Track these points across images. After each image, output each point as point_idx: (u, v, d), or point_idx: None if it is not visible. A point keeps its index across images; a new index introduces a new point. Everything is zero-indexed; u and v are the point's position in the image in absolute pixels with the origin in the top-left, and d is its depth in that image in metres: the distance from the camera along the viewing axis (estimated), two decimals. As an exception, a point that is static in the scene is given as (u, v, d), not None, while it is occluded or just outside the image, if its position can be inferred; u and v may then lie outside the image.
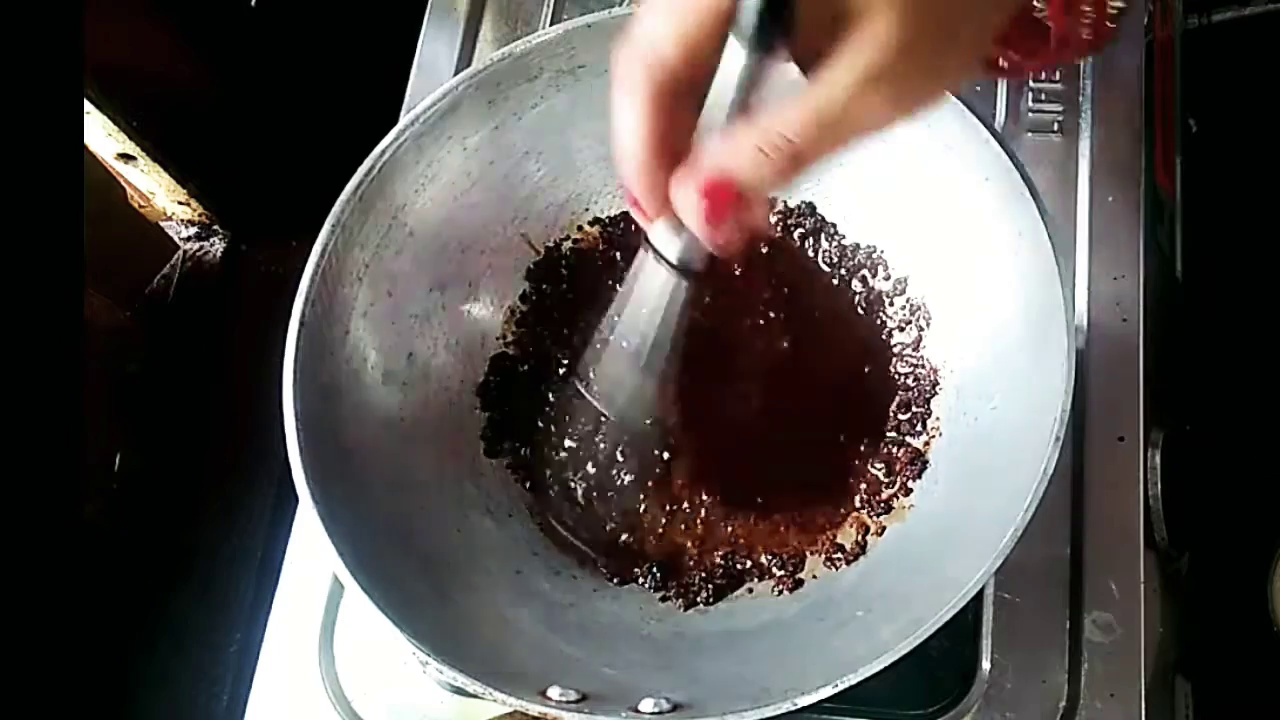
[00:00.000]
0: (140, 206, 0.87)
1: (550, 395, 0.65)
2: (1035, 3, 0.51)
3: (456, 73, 0.67)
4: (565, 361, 0.65)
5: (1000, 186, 0.54)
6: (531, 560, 0.60)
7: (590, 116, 0.62)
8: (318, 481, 0.51)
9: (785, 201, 0.66)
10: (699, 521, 0.61)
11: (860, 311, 0.64)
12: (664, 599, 0.59)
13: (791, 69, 0.36)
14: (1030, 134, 0.69)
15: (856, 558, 0.58)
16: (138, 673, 0.76)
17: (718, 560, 0.60)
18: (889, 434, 0.61)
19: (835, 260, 0.65)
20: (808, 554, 0.60)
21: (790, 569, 0.59)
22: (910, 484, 0.59)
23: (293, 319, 0.54)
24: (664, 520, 0.62)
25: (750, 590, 0.59)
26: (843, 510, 0.60)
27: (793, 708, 0.46)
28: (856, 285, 0.64)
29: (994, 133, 0.53)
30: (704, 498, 0.62)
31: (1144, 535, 0.60)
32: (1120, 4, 0.69)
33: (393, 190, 0.58)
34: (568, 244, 0.66)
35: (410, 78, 0.74)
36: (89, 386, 0.79)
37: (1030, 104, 0.70)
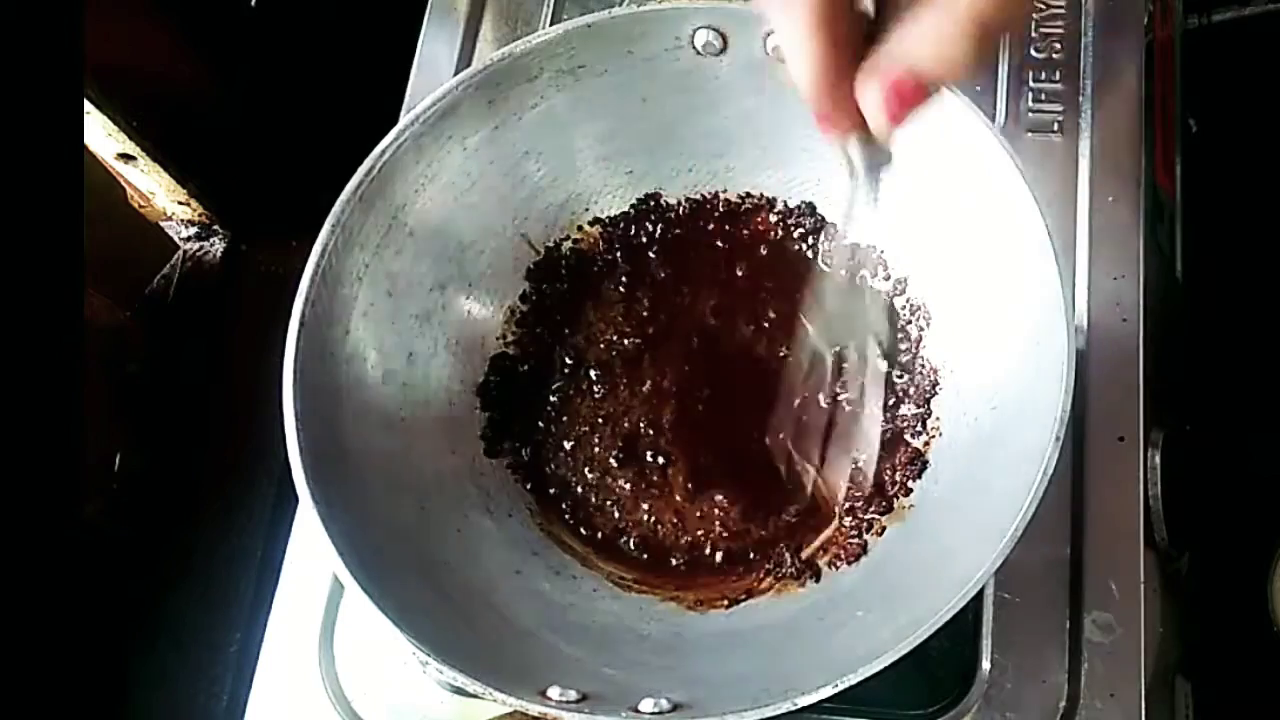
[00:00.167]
0: (140, 206, 0.87)
1: (550, 395, 0.65)
2: None
3: (456, 73, 0.67)
4: (569, 361, 0.65)
5: (1000, 186, 0.53)
6: (531, 560, 0.60)
7: (590, 116, 0.62)
8: (318, 481, 0.51)
9: (785, 201, 0.66)
10: (699, 522, 0.61)
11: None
12: (671, 600, 0.59)
13: None
14: (1030, 134, 0.69)
15: (857, 558, 0.58)
16: (137, 672, 0.76)
17: (720, 561, 0.60)
18: (889, 434, 0.61)
19: (835, 260, 0.65)
20: (809, 553, 0.60)
21: (796, 567, 0.59)
22: (910, 484, 0.59)
23: (293, 319, 0.54)
24: (663, 520, 0.62)
25: (756, 591, 0.59)
26: (842, 510, 0.60)
27: (793, 708, 0.46)
28: (856, 285, 0.64)
29: (994, 133, 0.53)
30: (703, 498, 0.62)
31: (1144, 535, 0.60)
32: None
33: (393, 190, 0.58)
34: (568, 244, 0.66)
35: (410, 78, 0.74)
36: (89, 386, 0.79)
37: (1030, 104, 0.70)
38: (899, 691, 0.58)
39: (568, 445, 0.64)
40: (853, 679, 0.46)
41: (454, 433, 0.62)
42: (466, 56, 0.75)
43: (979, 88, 0.70)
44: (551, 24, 0.74)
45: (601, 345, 0.65)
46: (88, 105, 0.74)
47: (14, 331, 0.43)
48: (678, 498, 0.62)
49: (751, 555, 0.60)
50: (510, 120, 0.60)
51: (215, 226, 0.89)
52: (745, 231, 0.66)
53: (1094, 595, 0.59)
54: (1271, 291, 0.89)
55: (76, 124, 0.53)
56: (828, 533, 0.60)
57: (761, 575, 0.60)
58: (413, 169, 0.58)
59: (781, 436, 0.62)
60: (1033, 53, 0.71)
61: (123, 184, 0.84)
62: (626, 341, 0.65)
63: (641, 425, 0.63)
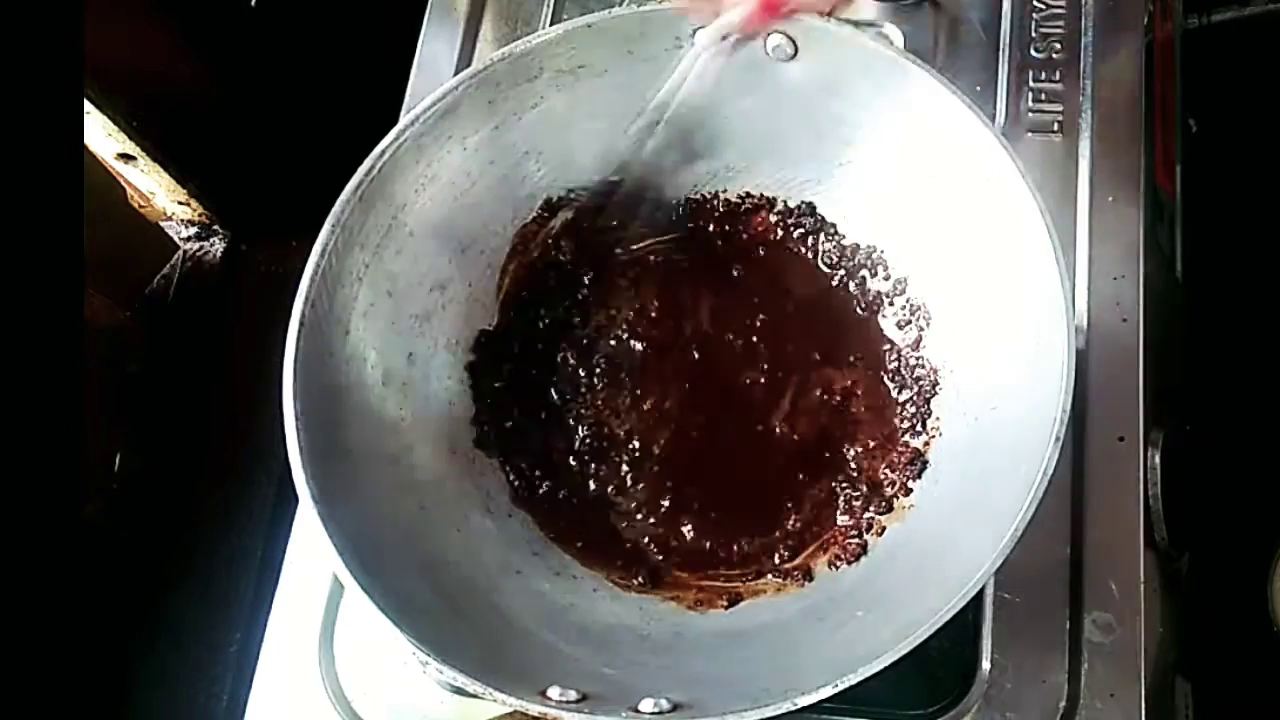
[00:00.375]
0: (140, 206, 0.87)
1: (551, 395, 0.65)
2: None
3: (456, 73, 0.67)
4: (571, 361, 0.65)
5: (1000, 186, 0.54)
6: (531, 560, 0.60)
7: (590, 116, 0.62)
8: (318, 481, 0.51)
9: (785, 201, 0.66)
10: (697, 522, 0.61)
11: (860, 312, 0.64)
12: (671, 600, 0.59)
13: None
14: (1030, 134, 0.69)
15: (857, 558, 0.58)
16: (138, 672, 0.76)
17: (720, 561, 0.60)
18: (889, 434, 0.61)
19: (835, 260, 0.65)
20: (810, 553, 0.60)
21: (797, 567, 0.59)
22: (910, 484, 0.59)
23: (293, 319, 0.54)
24: (662, 521, 0.62)
25: (756, 590, 0.59)
26: (842, 510, 0.60)
27: (793, 708, 0.46)
28: (856, 285, 0.64)
29: (994, 133, 0.53)
30: (702, 497, 0.62)
31: (1144, 535, 0.60)
32: None
33: (393, 190, 0.58)
34: (567, 244, 0.66)
35: (410, 78, 0.74)
36: (89, 386, 0.79)
37: (1030, 104, 0.70)
38: (899, 691, 0.58)
39: (568, 446, 0.64)
40: (853, 679, 0.46)
41: (454, 433, 0.62)
42: (466, 56, 0.75)
43: (979, 88, 0.70)
44: (551, 24, 0.74)
45: (600, 345, 0.65)
46: (88, 105, 0.74)
47: (14, 331, 0.43)
48: (670, 503, 0.62)
49: (743, 561, 0.60)
50: (510, 120, 0.60)
51: (215, 226, 0.89)
52: (745, 232, 0.66)
53: (1094, 595, 0.59)
54: (1271, 291, 0.89)
55: (76, 124, 0.53)
56: (829, 533, 0.60)
57: (758, 576, 0.60)
58: (413, 169, 0.58)
59: (782, 434, 0.62)
60: (1033, 53, 0.71)
61: (123, 184, 0.84)
62: (624, 342, 0.65)
63: (638, 428, 0.63)
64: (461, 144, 0.59)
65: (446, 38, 0.75)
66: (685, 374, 0.64)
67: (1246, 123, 0.93)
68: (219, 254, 0.89)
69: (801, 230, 0.65)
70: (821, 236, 0.65)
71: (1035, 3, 0.72)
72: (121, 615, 0.76)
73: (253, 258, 0.89)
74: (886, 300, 0.64)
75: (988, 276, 0.57)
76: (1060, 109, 0.69)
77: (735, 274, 0.66)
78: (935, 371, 0.61)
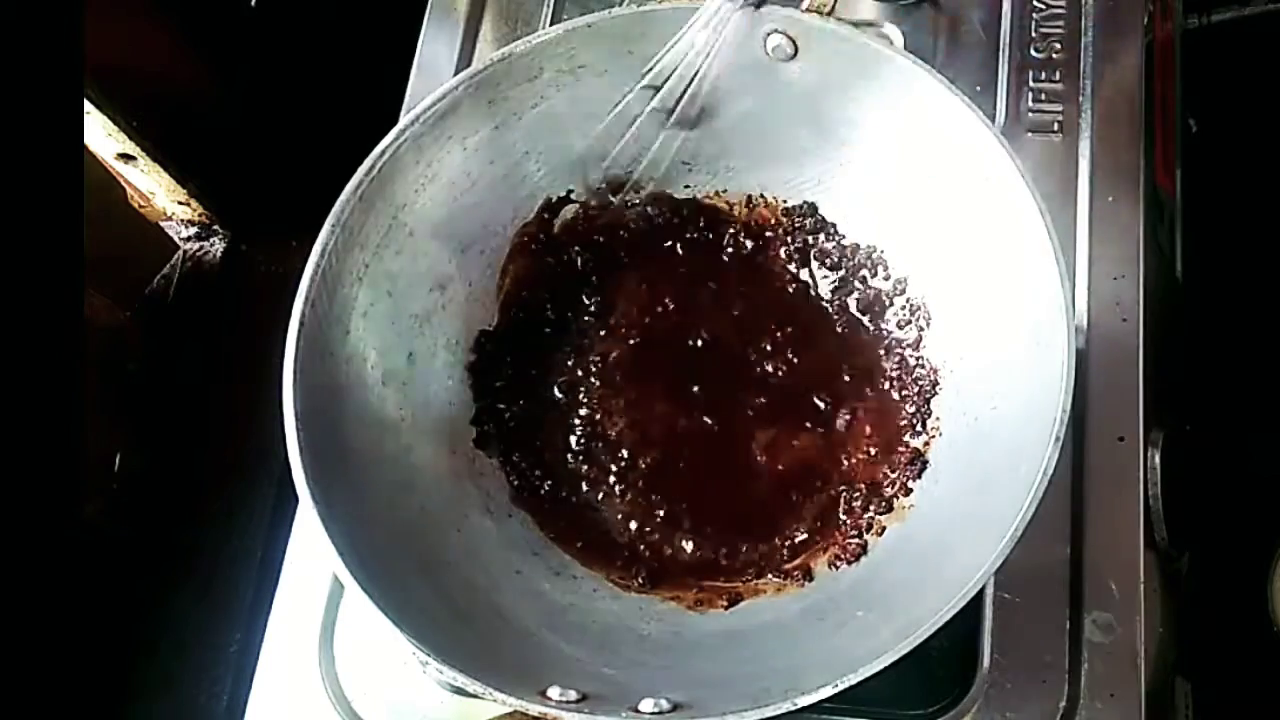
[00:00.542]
0: (140, 206, 0.87)
1: (550, 396, 0.65)
2: None
3: (456, 73, 0.67)
4: (571, 362, 0.65)
5: (1000, 186, 0.54)
6: (531, 560, 0.60)
7: (590, 116, 0.62)
8: (318, 481, 0.51)
9: (785, 201, 0.66)
10: (696, 524, 0.61)
11: (860, 312, 0.64)
12: (671, 600, 0.59)
13: None
14: (1030, 134, 0.69)
15: (857, 558, 0.58)
16: (138, 673, 0.76)
17: (720, 566, 0.60)
18: (889, 435, 0.61)
19: (835, 260, 0.65)
20: (810, 553, 0.60)
21: (797, 567, 0.59)
22: (910, 484, 0.59)
23: (293, 319, 0.54)
24: (661, 523, 0.62)
25: (756, 590, 0.59)
26: (842, 510, 0.60)
27: (793, 708, 0.46)
28: (856, 285, 0.64)
29: (994, 133, 0.53)
30: (702, 499, 0.62)
31: (1144, 535, 0.60)
32: None
33: (393, 190, 0.58)
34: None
35: (410, 78, 0.74)
36: (89, 386, 0.79)
37: (1030, 104, 0.70)
38: (899, 691, 0.58)
39: (569, 447, 0.64)
40: (853, 679, 0.46)
41: (454, 433, 0.62)
42: (466, 56, 0.75)
43: (979, 88, 0.70)
44: (551, 24, 0.74)
45: (600, 346, 0.65)
46: (88, 105, 0.74)
47: (14, 331, 0.43)
48: (669, 505, 0.62)
49: (742, 564, 0.60)
50: (510, 120, 0.60)
51: (215, 226, 0.89)
52: (745, 232, 0.66)
53: (1094, 595, 0.59)
54: (1271, 291, 0.89)
55: (76, 124, 0.53)
56: (829, 533, 0.60)
57: (758, 576, 0.60)
58: (413, 169, 0.58)
59: (782, 435, 0.62)
60: (1033, 53, 0.71)
61: (123, 184, 0.84)
62: (625, 343, 0.65)
63: (638, 429, 0.63)
64: (461, 144, 0.59)
65: (446, 38, 0.75)
66: (686, 374, 0.64)
67: (1246, 123, 0.93)
68: (219, 254, 0.89)
69: (803, 230, 0.65)
70: (822, 237, 0.65)
71: (1035, 3, 0.72)
72: (121, 615, 0.76)
73: (253, 258, 0.89)
74: (886, 300, 0.64)
75: (988, 276, 0.57)
76: (1060, 109, 0.69)
77: (736, 274, 0.66)
78: (935, 371, 0.61)
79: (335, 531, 0.50)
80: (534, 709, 0.48)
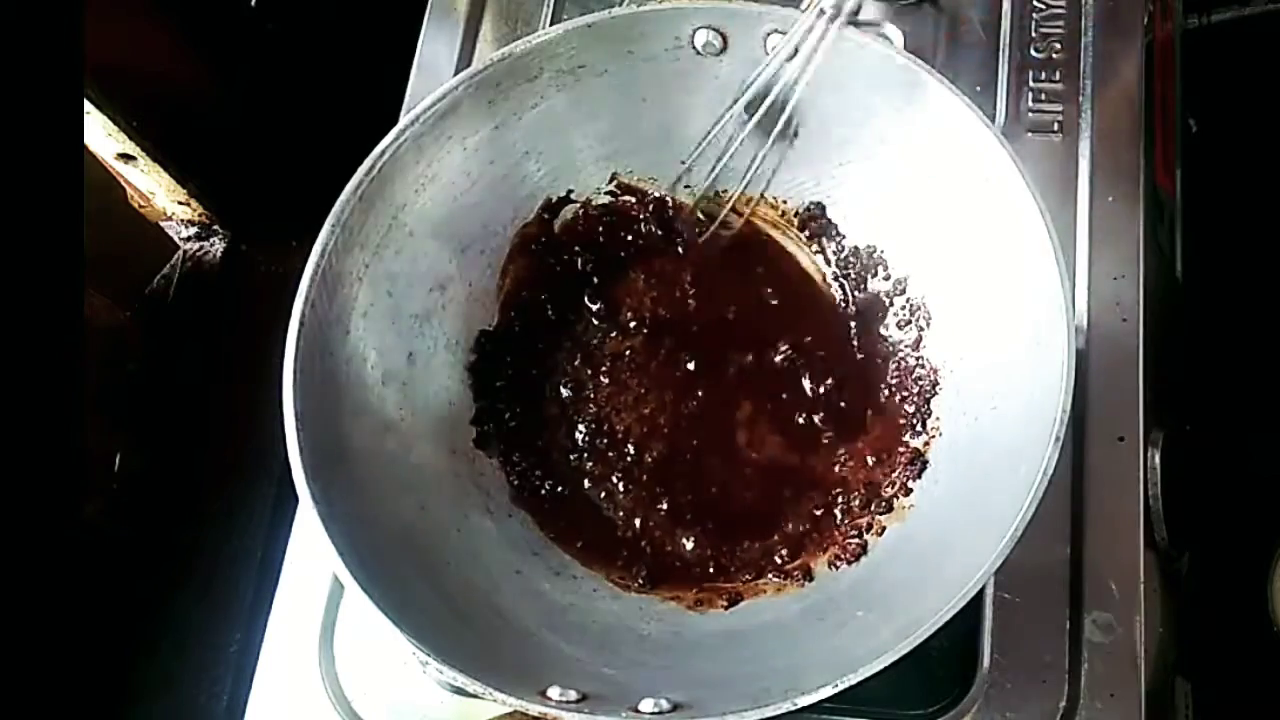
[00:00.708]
0: (140, 206, 0.87)
1: (551, 395, 0.65)
2: None
3: (456, 73, 0.67)
4: (571, 362, 0.65)
5: (1000, 186, 0.54)
6: (531, 560, 0.60)
7: (590, 116, 0.62)
8: (318, 481, 0.51)
9: (786, 202, 0.66)
10: (695, 526, 0.61)
11: (860, 312, 0.64)
12: (671, 600, 0.59)
13: None
14: (1030, 134, 0.69)
15: (857, 558, 0.58)
16: (138, 673, 0.76)
17: (720, 566, 0.60)
18: (889, 436, 0.61)
19: (836, 261, 0.65)
20: (810, 553, 0.60)
21: (797, 567, 0.59)
22: (910, 484, 0.59)
23: (293, 319, 0.54)
24: (660, 524, 0.62)
25: (756, 590, 0.59)
26: (843, 510, 0.60)
27: (793, 708, 0.46)
28: (856, 285, 0.64)
29: (994, 133, 0.53)
30: (701, 501, 0.62)
31: (1144, 535, 0.60)
32: None
33: (393, 190, 0.58)
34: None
35: (410, 78, 0.74)
36: (89, 386, 0.79)
37: (1030, 104, 0.70)
38: (899, 691, 0.58)
39: (567, 447, 0.64)
40: (853, 679, 0.46)
41: (454, 433, 0.62)
42: (466, 56, 0.75)
43: (979, 88, 0.70)
44: (551, 24, 0.74)
45: (600, 346, 0.65)
46: (88, 105, 0.74)
47: (14, 331, 0.43)
48: (669, 506, 0.62)
49: (742, 564, 0.60)
50: (510, 120, 0.60)
51: (215, 226, 0.89)
52: (747, 232, 0.66)
53: (1094, 595, 0.59)
54: (1271, 291, 0.89)
55: (76, 124, 0.53)
56: (829, 533, 0.60)
57: (758, 576, 0.60)
58: (413, 169, 0.58)
59: (782, 435, 0.62)
60: (1033, 53, 0.71)
61: (123, 184, 0.84)
62: (625, 343, 0.65)
63: (637, 429, 0.63)
64: (461, 144, 0.59)
65: (446, 38, 0.75)
66: (686, 375, 0.64)
67: (1246, 123, 0.93)
68: (219, 254, 0.89)
69: (804, 231, 0.65)
70: (823, 237, 0.65)
71: (1035, 3, 0.72)
72: (121, 615, 0.76)
73: (253, 258, 0.89)
74: (886, 301, 0.64)
75: (988, 276, 0.57)
76: (1060, 109, 0.69)
77: (737, 274, 0.66)
78: (935, 371, 0.61)
79: (335, 531, 0.50)
80: (534, 709, 0.48)
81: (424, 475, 0.59)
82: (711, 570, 0.60)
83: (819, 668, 0.47)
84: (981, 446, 0.56)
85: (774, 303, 0.65)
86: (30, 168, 0.44)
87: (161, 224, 0.89)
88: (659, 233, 0.66)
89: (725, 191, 0.65)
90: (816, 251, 0.66)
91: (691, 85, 0.60)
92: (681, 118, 0.62)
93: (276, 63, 0.87)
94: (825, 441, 0.62)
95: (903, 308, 0.63)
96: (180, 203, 0.87)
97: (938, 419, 0.60)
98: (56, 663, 0.43)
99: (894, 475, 0.60)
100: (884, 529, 0.59)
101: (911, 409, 0.61)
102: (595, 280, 0.66)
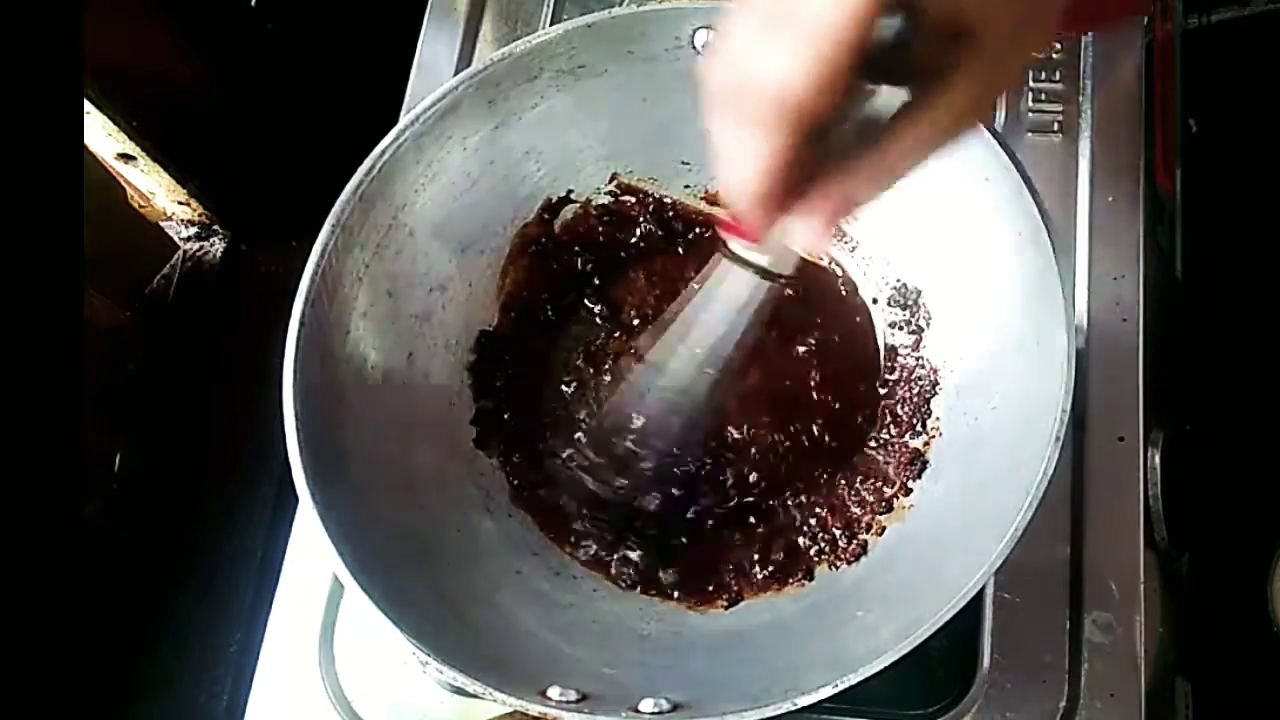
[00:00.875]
0: (140, 206, 0.87)
1: (551, 395, 0.65)
2: None
3: (456, 73, 0.67)
4: (571, 362, 0.65)
5: (1000, 186, 0.54)
6: (531, 560, 0.60)
7: (590, 116, 0.62)
8: (318, 481, 0.51)
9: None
10: (694, 527, 0.61)
11: (859, 312, 0.64)
12: (675, 600, 0.59)
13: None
14: (1030, 134, 0.69)
15: (857, 558, 0.58)
16: (138, 673, 0.76)
17: (720, 561, 0.60)
18: (887, 434, 0.61)
19: (835, 261, 0.65)
20: (811, 553, 0.60)
21: (796, 570, 0.59)
22: (910, 484, 0.59)
23: (293, 319, 0.54)
24: (660, 522, 0.62)
25: (756, 591, 0.59)
26: (844, 509, 0.60)
27: (793, 708, 0.46)
28: (856, 286, 0.64)
29: (994, 133, 0.53)
30: (701, 502, 0.62)
31: (1144, 535, 0.60)
32: None
33: (393, 190, 0.58)
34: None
35: (410, 78, 0.74)
36: (89, 386, 0.79)
37: (1030, 104, 0.70)
38: (899, 691, 0.58)
39: (556, 449, 0.64)
40: (853, 679, 0.46)
41: (454, 433, 0.62)
42: (466, 56, 0.75)
43: (979, 88, 0.70)
44: (551, 24, 0.74)
45: (600, 346, 0.65)
46: (88, 105, 0.74)
47: (14, 331, 0.43)
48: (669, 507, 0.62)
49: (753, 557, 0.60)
50: (510, 120, 0.60)
51: (215, 226, 0.89)
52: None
53: (1094, 595, 0.59)
54: (1271, 291, 0.89)
55: (76, 124, 0.53)
56: (829, 534, 0.60)
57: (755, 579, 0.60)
58: (413, 169, 0.58)
59: (782, 434, 0.62)
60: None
61: (123, 184, 0.84)
62: (625, 343, 0.65)
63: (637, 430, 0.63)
64: (461, 144, 0.59)
65: (446, 38, 0.75)
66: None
67: (1246, 123, 0.93)
68: (219, 254, 0.89)
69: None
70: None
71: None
72: (121, 615, 0.76)
73: (253, 258, 0.89)
74: (886, 301, 0.64)
75: (988, 277, 0.57)
76: (1060, 109, 0.69)
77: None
78: (935, 371, 0.61)
79: (335, 531, 0.50)
80: (534, 709, 0.48)
81: (424, 475, 0.59)
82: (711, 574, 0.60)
83: (819, 668, 0.47)
84: (981, 446, 0.56)
85: (774, 303, 0.65)
86: (30, 168, 0.44)
87: (161, 224, 0.89)
88: (659, 233, 0.66)
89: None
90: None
91: (691, 85, 0.60)
92: (681, 118, 0.62)
93: (276, 63, 0.87)
94: (826, 440, 0.62)
95: (902, 308, 0.63)
96: (180, 203, 0.87)
97: (938, 419, 0.60)
98: (56, 663, 0.43)
99: (894, 475, 0.60)
100: (884, 529, 0.59)
101: (911, 409, 0.61)
102: (596, 280, 0.66)
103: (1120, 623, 0.59)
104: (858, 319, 0.64)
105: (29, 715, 0.42)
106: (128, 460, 0.81)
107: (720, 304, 0.48)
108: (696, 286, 0.49)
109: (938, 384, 0.61)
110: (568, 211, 0.65)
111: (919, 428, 0.61)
